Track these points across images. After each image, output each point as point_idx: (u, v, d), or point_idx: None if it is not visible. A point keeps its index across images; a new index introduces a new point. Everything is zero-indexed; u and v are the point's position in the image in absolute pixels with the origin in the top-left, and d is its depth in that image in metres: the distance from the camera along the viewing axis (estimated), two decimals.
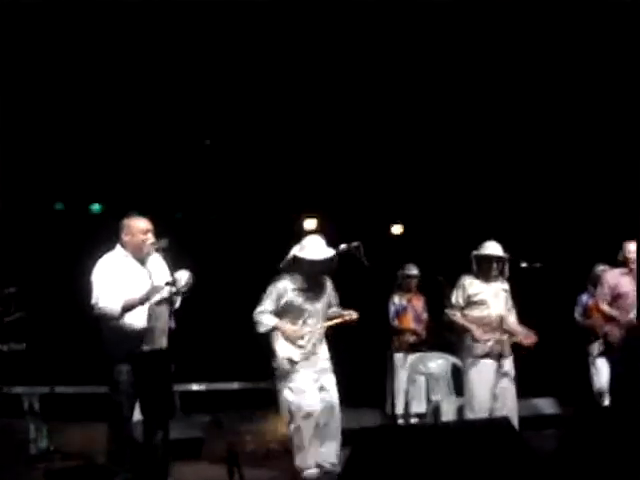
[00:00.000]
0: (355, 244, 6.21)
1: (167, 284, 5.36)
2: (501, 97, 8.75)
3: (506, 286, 7.20)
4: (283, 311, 6.50)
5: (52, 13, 7.15)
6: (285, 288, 6.48)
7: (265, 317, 6.50)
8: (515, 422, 6.50)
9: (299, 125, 9.66)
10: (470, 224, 10.13)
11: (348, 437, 6.56)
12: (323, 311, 6.59)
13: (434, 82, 8.71)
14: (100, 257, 5.65)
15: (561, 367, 9.05)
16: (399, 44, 8.04)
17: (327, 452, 6.44)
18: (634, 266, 7.44)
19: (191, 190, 9.91)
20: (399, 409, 8.69)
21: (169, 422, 5.63)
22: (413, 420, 8.68)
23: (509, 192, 10.15)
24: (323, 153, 10.25)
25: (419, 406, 8.67)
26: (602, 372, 8.39)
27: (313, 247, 6.46)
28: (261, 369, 8.87)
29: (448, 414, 7.85)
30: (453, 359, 7.98)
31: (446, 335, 8.25)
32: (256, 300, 6.55)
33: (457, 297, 7.12)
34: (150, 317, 5.54)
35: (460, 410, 7.23)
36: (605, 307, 7.53)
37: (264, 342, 8.27)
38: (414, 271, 8.80)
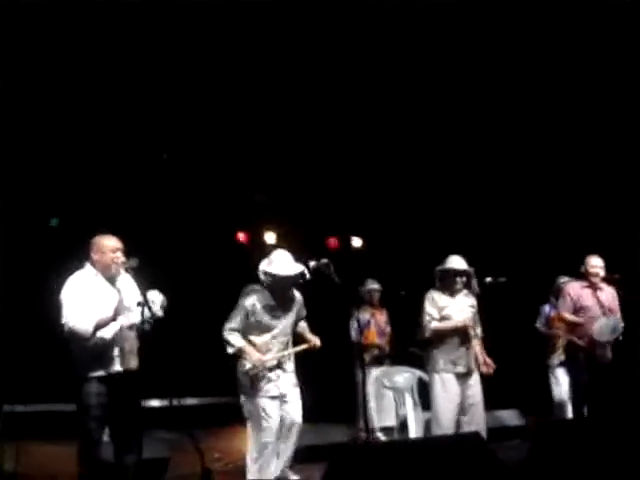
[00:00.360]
0: (324, 261, 6.20)
1: (139, 304, 5.28)
2: (463, 111, 8.82)
3: (473, 301, 7.25)
4: (251, 327, 6.47)
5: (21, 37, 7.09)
6: (254, 305, 6.44)
7: (233, 337, 6.44)
8: (484, 435, 6.55)
9: (256, 136, 9.65)
10: (429, 239, 10.23)
11: (319, 452, 6.60)
12: (292, 326, 6.58)
13: (396, 94, 8.75)
14: (68, 276, 5.56)
15: (523, 379, 9.13)
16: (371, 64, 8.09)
17: (283, 466, 6.46)
18: (595, 280, 7.58)
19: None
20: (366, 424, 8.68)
21: (139, 443, 5.57)
22: (379, 434, 8.70)
23: (470, 207, 10.22)
24: (283, 165, 10.26)
25: (389, 420, 8.69)
26: (562, 382, 8.53)
27: (282, 262, 6.44)
28: (223, 384, 8.88)
29: (415, 428, 7.87)
30: (419, 373, 8.00)
31: (412, 350, 8.30)
32: (217, 314, 6.51)
33: (432, 309, 7.13)
34: (120, 338, 5.47)
35: (428, 424, 7.23)
36: (569, 316, 7.66)
37: (227, 357, 8.30)
38: (376, 285, 8.82)
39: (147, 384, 5.63)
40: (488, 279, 7.09)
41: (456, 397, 7.00)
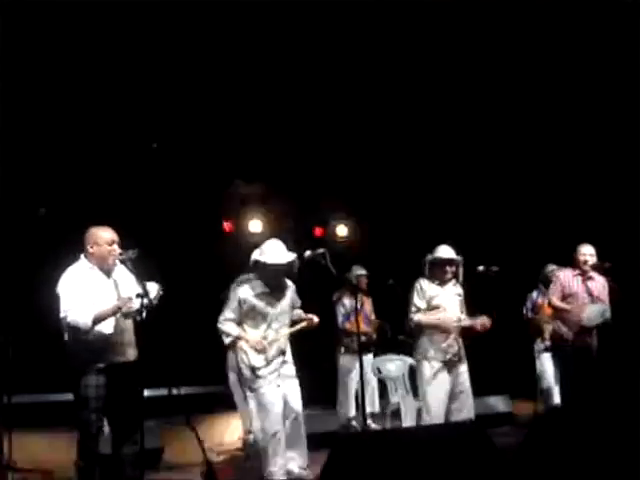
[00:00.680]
0: (321, 251, 6.23)
1: (138, 296, 5.27)
2: (453, 103, 8.85)
3: (460, 290, 7.26)
4: (246, 316, 6.49)
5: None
6: (246, 294, 6.47)
7: (228, 326, 6.49)
8: None
9: (244, 124, 9.63)
10: (418, 227, 10.27)
11: (312, 441, 6.63)
12: (286, 314, 6.59)
13: (390, 83, 8.77)
14: (63, 268, 5.55)
15: (510, 365, 9.22)
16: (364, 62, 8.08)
17: (295, 458, 6.48)
18: (585, 267, 7.68)
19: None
20: (352, 411, 8.74)
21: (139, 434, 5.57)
22: (369, 421, 8.74)
23: (460, 195, 10.27)
24: (269, 152, 10.25)
25: (372, 406, 8.75)
26: (547, 367, 8.66)
27: (274, 251, 6.46)
28: (211, 373, 8.90)
29: (407, 416, 7.92)
30: (410, 360, 8.04)
31: (401, 338, 8.34)
32: (206, 303, 6.50)
33: (418, 300, 7.12)
34: (117, 329, 5.47)
35: (419, 412, 7.28)
36: (557, 302, 7.76)
37: (215, 347, 8.30)
38: (363, 271, 8.83)
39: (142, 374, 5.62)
40: (480, 268, 7.10)
41: (446, 385, 7.00)
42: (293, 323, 6.64)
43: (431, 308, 7.10)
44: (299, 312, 6.72)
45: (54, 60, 7.77)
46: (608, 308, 7.66)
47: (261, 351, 6.41)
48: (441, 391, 7.00)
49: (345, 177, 10.53)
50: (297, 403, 6.51)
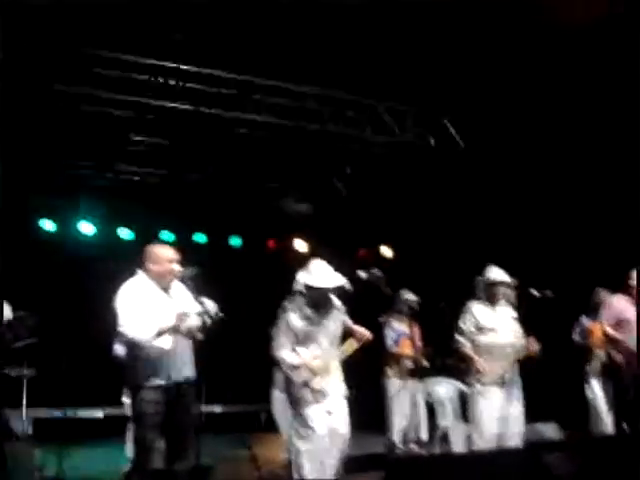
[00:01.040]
0: (376, 272, 6.20)
1: (200, 314, 5.30)
2: (501, 116, 8.80)
3: (514, 313, 7.19)
4: (296, 340, 6.39)
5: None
6: (294, 319, 6.35)
7: (286, 355, 6.34)
8: None
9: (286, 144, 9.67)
10: (460, 249, 10.21)
11: (355, 463, 6.59)
12: (336, 336, 6.50)
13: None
14: (122, 284, 5.59)
15: (559, 391, 9.09)
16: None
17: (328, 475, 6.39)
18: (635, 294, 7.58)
19: None
20: (398, 436, 8.68)
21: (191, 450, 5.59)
22: (413, 446, 8.68)
23: (507, 216, 10.20)
24: (307, 172, 10.29)
25: (418, 432, 8.68)
26: (597, 393, 8.49)
27: (321, 274, 6.32)
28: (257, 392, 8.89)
29: (457, 440, 7.84)
30: (459, 385, 7.97)
31: (449, 362, 8.26)
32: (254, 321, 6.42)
33: (467, 323, 7.07)
34: (175, 346, 5.50)
35: (469, 437, 7.19)
36: (609, 330, 7.65)
37: (259, 365, 8.29)
38: (412, 296, 8.79)
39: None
40: (534, 291, 7.03)
41: (498, 409, 6.92)
42: (347, 336, 6.53)
43: (482, 330, 7.03)
44: (349, 323, 6.54)
45: None
46: None
47: (321, 373, 6.33)
48: (493, 415, 6.90)
49: (391, 198, 10.51)
50: (344, 426, 6.40)
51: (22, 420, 7.53)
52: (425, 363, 8.64)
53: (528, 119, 8.74)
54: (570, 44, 7.72)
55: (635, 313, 7.56)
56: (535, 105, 8.55)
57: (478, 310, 7.10)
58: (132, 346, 5.46)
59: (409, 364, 8.63)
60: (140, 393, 5.45)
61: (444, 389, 8.42)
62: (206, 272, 5.93)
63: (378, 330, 8.56)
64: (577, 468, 5.44)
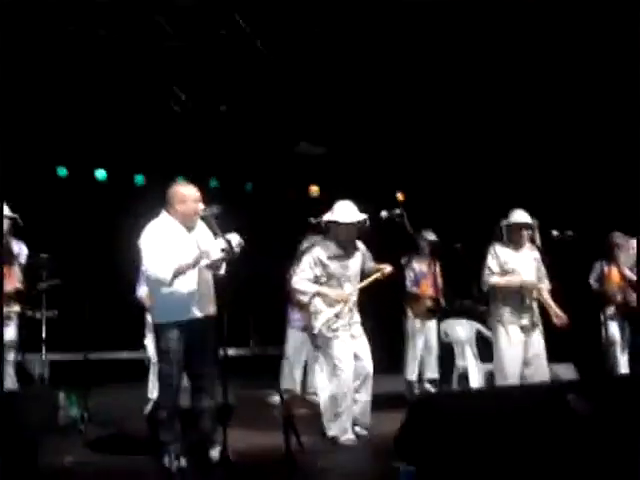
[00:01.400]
0: (397, 211, 6.21)
1: (223, 250, 5.31)
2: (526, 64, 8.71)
3: (537, 254, 7.19)
4: (320, 278, 6.51)
5: None
6: (318, 256, 6.50)
7: (305, 285, 6.51)
8: None
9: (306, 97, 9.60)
10: (485, 192, 10.18)
11: (375, 402, 6.66)
12: (358, 275, 6.61)
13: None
14: (145, 225, 5.61)
15: (576, 333, 9.12)
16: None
17: (359, 418, 6.52)
18: None
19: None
20: (414, 375, 8.76)
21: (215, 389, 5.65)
22: (427, 385, 8.77)
23: (529, 157, 10.13)
24: (326, 121, 10.21)
25: (432, 372, 8.76)
26: (614, 336, 8.54)
27: (344, 211, 6.49)
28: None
29: (475, 380, 7.91)
30: (477, 325, 8.02)
31: (466, 303, 8.29)
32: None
33: (492, 264, 7.08)
34: (198, 283, 5.53)
35: (489, 376, 7.25)
36: (627, 272, 7.67)
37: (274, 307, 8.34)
38: (433, 237, 8.77)
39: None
40: (555, 232, 7.02)
41: (520, 349, 6.97)
42: (366, 275, 6.64)
43: (505, 272, 7.05)
44: (371, 264, 6.71)
45: (112, 19, 7.73)
46: None
47: (343, 302, 6.44)
48: (516, 355, 6.95)
49: (409, 140, 10.44)
50: (368, 362, 6.54)
51: (43, 363, 7.59)
52: (444, 304, 8.66)
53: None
54: None
55: None
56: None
57: (502, 252, 7.11)
58: (156, 285, 5.47)
59: (429, 304, 8.66)
60: (164, 330, 5.47)
61: (463, 330, 8.45)
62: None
63: (400, 271, 8.62)
64: (593, 408, 5.46)
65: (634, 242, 7.85)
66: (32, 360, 7.59)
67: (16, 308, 6.57)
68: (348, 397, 6.38)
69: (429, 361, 8.76)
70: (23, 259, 6.58)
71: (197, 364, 5.55)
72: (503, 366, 6.98)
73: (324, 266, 6.48)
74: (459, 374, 8.31)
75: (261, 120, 9.81)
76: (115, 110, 9.30)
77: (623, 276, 8.00)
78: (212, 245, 5.52)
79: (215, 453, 5.51)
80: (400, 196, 11.43)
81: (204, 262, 5.45)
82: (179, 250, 5.47)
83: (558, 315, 7.15)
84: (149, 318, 7.64)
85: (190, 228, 5.60)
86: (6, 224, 6.44)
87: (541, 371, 7.01)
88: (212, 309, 5.64)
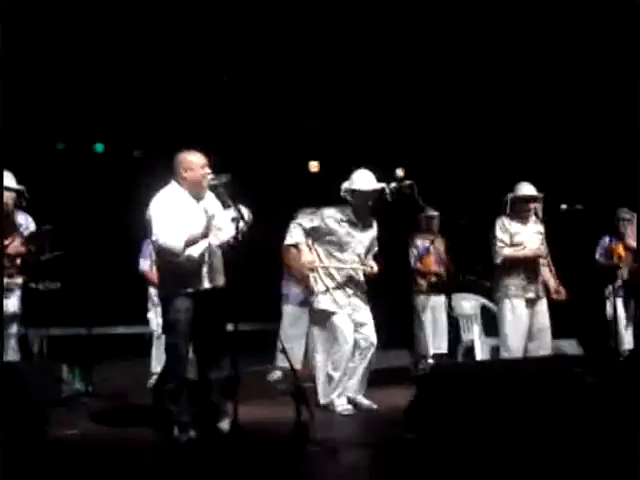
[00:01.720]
0: (408, 182, 6.15)
1: (234, 220, 5.22)
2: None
3: (541, 228, 7.21)
4: (322, 239, 6.46)
5: None
6: (331, 215, 6.44)
7: (296, 231, 6.45)
8: None
9: (301, 67, 9.48)
10: (489, 167, 10.10)
11: (381, 377, 6.63)
12: (363, 248, 6.54)
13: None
14: (154, 195, 5.51)
15: (580, 309, 9.09)
16: None
17: (357, 389, 6.50)
18: None
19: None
20: (424, 350, 8.72)
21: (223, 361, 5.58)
22: (430, 362, 8.70)
23: (533, 132, 10.05)
24: (325, 95, 10.10)
25: (443, 347, 8.72)
26: (618, 311, 8.51)
27: (362, 179, 6.45)
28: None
29: (482, 354, 7.89)
30: (483, 300, 7.99)
31: (469, 278, 8.24)
32: None
33: (502, 236, 7.08)
34: (208, 254, 5.45)
35: (494, 350, 7.23)
36: (634, 244, 7.64)
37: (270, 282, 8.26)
38: (434, 212, 8.73)
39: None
40: (564, 206, 6.97)
41: (525, 323, 7.00)
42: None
43: (513, 245, 7.06)
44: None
45: None
46: None
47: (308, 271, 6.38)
48: (521, 329, 6.99)
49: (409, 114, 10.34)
50: (372, 333, 6.48)
51: (43, 337, 7.53)
52: (445, 278, 8.62)
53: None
54: None
55: None
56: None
57: (509, 224, 7.11)
58: (164, 254, 5.38)
59: (433, 280, 8.62)
60: (172, 301, 5.39)
61: (469, 304, 8.42)
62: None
63: (405, 246, 8.57)
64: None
65: None
66: (32, 334, 7.53)
67: (19, 280, 6.47)
68: (345, 371, 6.35)
69: (438, 336, 8.72)
70: (28, 232, 6.46)
71: (205, 336, 5.47)
72: (507, 339, 7.01)
73: (330, 228, 6.41)
74: (465, 348, 8.29)
75: (265, 93, 9.69)
76: (113, 83, 9.18)
77: (629, 251, 7.95)
78: (221, 216, 5.44)
79: (224, 425, 5.45)
80: (400, 172, 11.35)
81: (217, 233, 5.36)
82: (189, 220, 5.39)
83: (558, 290, 7.13)
84: (152, 291, 7.63)
85: (198, 198, 5.52)
86: (11, 196, 6.34)
87: (545, 345, 7.03)
88: (221, 280, 5.57)
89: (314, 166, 11.83)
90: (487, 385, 4.93)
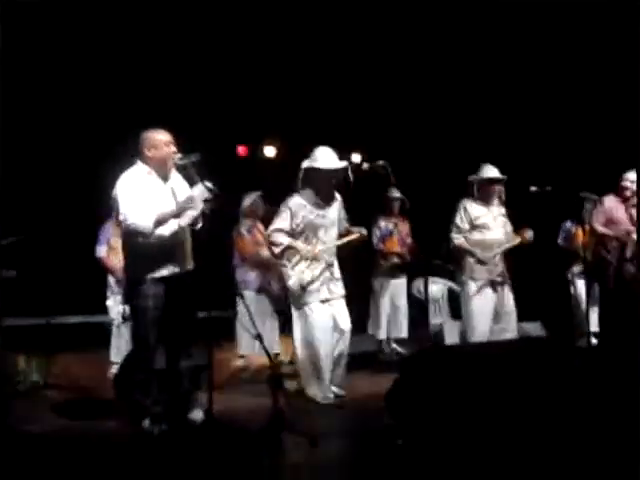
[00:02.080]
0: (381, 163, 5.99)
1: (206, 201, 5.01)
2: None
3: (503, 210, 7.19)
4: (296, 229, 6.27)
5: None
6: (297, 205, 6.25)
7: (279, 236, 6.27)
8: None
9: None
10: (453, 149, 10.01)
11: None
12: (335, 227, 6.39)
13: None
14: (120, 174, 5.27)
15: (542, 292, 9.09)
16: None
17: (336, 378, 6.35)
18: (628, 194, 7.53)
19: None
20: (382, 334, 8.61)
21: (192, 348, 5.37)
22: (395, 345, 8.63)
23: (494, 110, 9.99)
24: (285, 78, 9.91)
25: (400, 331, 8.63)
26: (580, 292, 8.51)
27: (326, 157, 6.23)
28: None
29: (451, 337, 7.82)
30: (449, 283, 7.91)
31: (436, 262, 8.15)
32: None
33: (462, 220, 7.05)
34: (177, 236, 5.23)
35: (463, 334, 7.15)
36: (600, 228, 7.63)
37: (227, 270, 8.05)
38: (396, 194, 8.61)
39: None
40: (533, 188, 6.90)
41: (491, 305, 6.97)
42: (340, 236, 6.44)
43: (475, 227, 7.03)
44: (345, 225, 6.51)
45: None
46: None
47: (313, 260, 6.22)
48: (486, 311, 6.96)
49: (373, 97, 10.19)
50: (346, 323, 6.36)
51: None
52: (407, 260, 8.53)
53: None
54: None
55: (624, 214, 7.56)
56: None
57: (472, 207, 7.08)
58: (133, 237, 5.13)
59: (395, 261, 8.51)
60: (139, 286, 5.15)
61: (436, 287, 8.35)
62: None
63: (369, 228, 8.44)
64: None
65: (604, 199, 7.77)
66: None
67: None
68: (326, 359, 6.19)
69: (397, 320, 8.64)
70: None
71: (175, 323, 5.24)
72: (473, 322, 6.98)
73: (301, 217, 6.23)
74: (434, 332, 8.19)
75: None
76: None
77: (590, 234, 7.94)
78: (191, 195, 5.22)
79: (195, 415, 5.26)
80: (357, 157, 11.21)
81: (190, 212, 5.13)
82: (155, 200, 5.16)
83: (524, 232, 7.14)
84: (111, 279, 7.35)
85: (165, 177, 5.28)
86: None
87: (511, 327, 7.02)
88: (190, 264, 5.35)
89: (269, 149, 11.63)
90: (476, 368, 4.81)
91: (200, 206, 5.08)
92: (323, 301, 6.25)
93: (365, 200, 7.86)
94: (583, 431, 4.45)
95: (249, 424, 5.10)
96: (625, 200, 7.60)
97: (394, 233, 8.53)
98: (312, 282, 6.22)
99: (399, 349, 8.63)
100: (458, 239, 7.05)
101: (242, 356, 7.79)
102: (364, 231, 6.45)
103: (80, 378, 7.04)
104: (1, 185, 6.30)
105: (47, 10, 7.88)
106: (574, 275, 8.62)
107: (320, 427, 5.29)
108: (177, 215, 5.14)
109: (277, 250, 6.28)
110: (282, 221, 6.27)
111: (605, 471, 4.02)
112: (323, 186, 6.26)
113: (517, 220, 7.31)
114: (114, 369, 7.16)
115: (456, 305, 7.90)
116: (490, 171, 7.08)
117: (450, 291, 8.13)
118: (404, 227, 8.67)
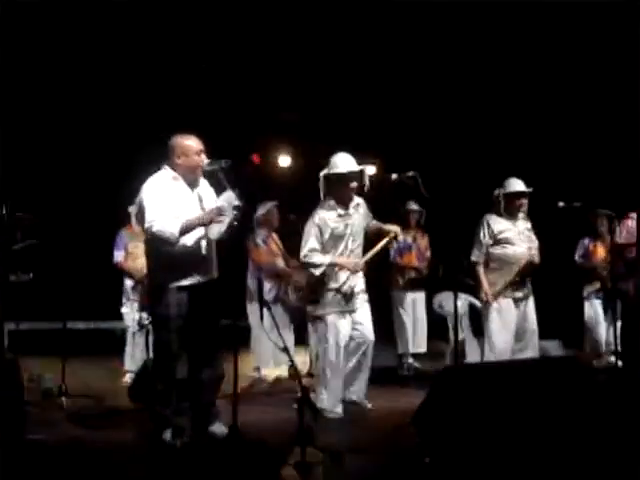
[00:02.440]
0: (410, 174, 5.85)
1: (235, 208, 4.89)
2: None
3: (529, 225, 7.03)
4: (327, 244, 6.14)
5: None
6: (323, 220, 6.12)
7: (316, 257, 6.11)
8: None
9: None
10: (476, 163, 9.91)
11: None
12: (361, 232, 6.29)
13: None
14: (137, 181, 5.17)
15: (560, 311, 8.95)
16: None
17: (358, 389, 6.31)
18: None
19: None
20: (402, 348, 8.48)
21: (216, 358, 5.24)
22: (411, 360, 8.49)
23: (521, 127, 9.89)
24: (301, 89, 9.85)
25: (422, 346, 8.52)
26: (596, 310, 8.39)
27: (345, 162, 6.13)
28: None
29: (472, 353, 7.67)
30: (470, 298, 7.75)
31: (460, 278, 8.02)
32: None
33: (484, 235, 6.90)
34: (202, 245, 5.12)
35: (483, 351, 7.01)
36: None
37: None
38: (415, 207, 8.49)
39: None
40: (561, 203, 6.78)
41: (512, 323, 6.79)
42: (374, 237, 6.34)
43: (498, 242, 6.86)
44: (375, 222, 6.40)
45: None
46: None
47: (357, 272, 6.12)
48: (508, 329, 6.78)
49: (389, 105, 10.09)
50: (370, 332, 6.28)
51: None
52: (424, 274, 8.41)
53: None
54: None
55: None
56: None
57: (495, 222, 6.92)
58: (158, 243, 5.00)
59: (412, 275, 8.41)
60: (163, 294, 5.02)
61: (458, 302, 8.16)
62: None
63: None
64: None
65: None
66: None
67: None
68: (339, 372, 6.11)
69: (416, 335, 8.51)
70: None
71: (199, 332, 5.11)
72: (493, 339, 6.80)
73: (328, 229, 6.10)
74: (454, 347, 8.03)
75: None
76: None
77: (608, 252, 7.83)
78: (215, 203, 5.11)
79: (217, 428, 5.14)
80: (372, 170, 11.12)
81: (221, 220, 5.00)
82: (182, 207, 5.04)
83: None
84: (128, 285, 7.23)
85: (193, 185, 5.17)
86: None
87: (532, 346, 6.84)
88: (215, 273, 5.24)
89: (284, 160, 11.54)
90: (504, 387, 4.72)
91: (230, 214, 4.93)
92: (343, 312, 6.14)
93: (382, 212, 7.75)
94: (612, 450, 4.40)
95: (273, 439, 4.96)
96: None
97: (412, 247, 8.41)
98: (337, 294, 6.12)
99: (416, 364, 8.50)
100: (475, 264, 6.93)
101: (257, 368, 7.69)
102: (397, 229, 6.31)
103: (94, 385, 6.96)
104: (19, 190, 6.18)
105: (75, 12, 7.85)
106: (590, 294, 8.49)
107: (341, 443, 5.17)
108: (204, 224, 5.02)
109: (318, 272, 6.12)
110: (314, 240, 6.11)
111: None
112: (345, 193, 6.14)
113: (542, 236, 7.19)
114: (128, 377, 7.07)
115: (477, 321, 7.75)
116: (516, 184, 6.94)
117: (471, 306, 7.96)
118: (423, 241, 8.54)
